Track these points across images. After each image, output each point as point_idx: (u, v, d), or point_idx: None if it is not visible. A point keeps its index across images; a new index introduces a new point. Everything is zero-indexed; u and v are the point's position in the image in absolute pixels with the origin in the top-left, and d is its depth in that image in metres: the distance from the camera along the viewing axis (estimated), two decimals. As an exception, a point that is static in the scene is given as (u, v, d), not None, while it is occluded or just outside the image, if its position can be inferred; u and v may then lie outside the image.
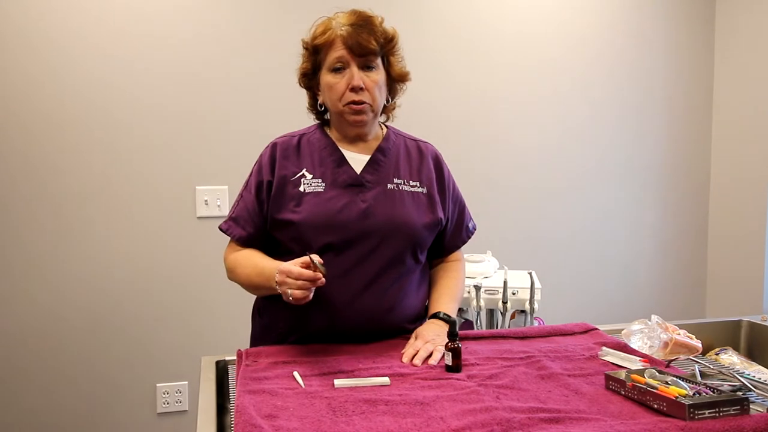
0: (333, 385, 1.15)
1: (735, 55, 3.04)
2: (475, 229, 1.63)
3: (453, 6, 2.76)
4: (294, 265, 1.23)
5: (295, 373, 1.20)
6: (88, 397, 2.44)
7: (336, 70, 1.38)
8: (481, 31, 2.80)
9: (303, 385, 1.15)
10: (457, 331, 1.25)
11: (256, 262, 1.40)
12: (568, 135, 2.95)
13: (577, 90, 2.95)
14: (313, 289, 1.23)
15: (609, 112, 3.01)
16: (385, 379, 1.18)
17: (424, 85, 2.72)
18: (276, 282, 1.26)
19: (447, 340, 1.24)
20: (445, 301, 1.48)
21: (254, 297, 1.59)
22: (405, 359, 1.28)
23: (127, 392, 2.48)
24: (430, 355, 1.28)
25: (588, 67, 2.95)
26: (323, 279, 1.21)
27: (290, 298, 1.23)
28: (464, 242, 1.59)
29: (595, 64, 2.96)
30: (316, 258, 1.22)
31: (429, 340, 1.32)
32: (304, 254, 1.24)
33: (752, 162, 2.95)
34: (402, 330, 1.46)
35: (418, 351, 1.29)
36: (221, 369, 1.36)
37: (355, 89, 1.37)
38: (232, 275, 1.46)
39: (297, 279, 1.21)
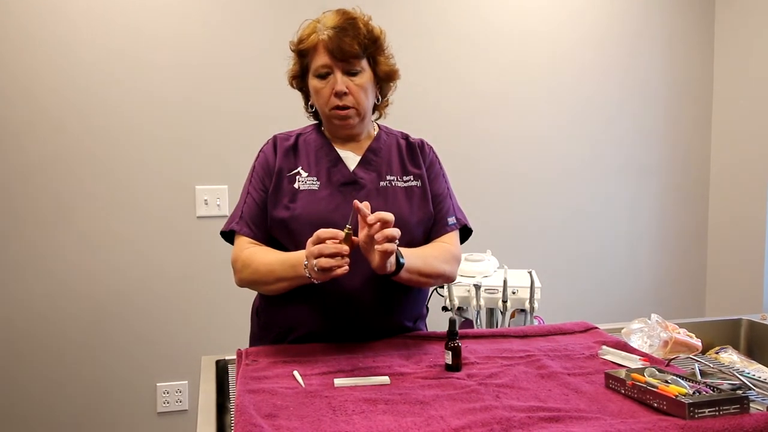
0: (333, 384, 1.15)
1: (735, 55, 3.04)
2: (458, 226, 1.51)
3: (453, 2, 2.76)
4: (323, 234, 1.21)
5: (295, 373, 1.20)
6: (88, 396, 2.44)
7: (321, 76, 1.39)
8: (481, 29, 2.80)
9: (303, 385, 1.15)
10: (457, 330, 1.25)
11: (276, 253, 1.39)
12: (568, 134, 2.95)
13: (576, 90, 2.95)
14: (347, 260, 1.20)
15: (609, 111, 3.00)
16: (385, 378, 1.18)
17: (423, 84, 2.72)
18: (308, 256, 1.22)
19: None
20: (409, 251, 1.35)
21: (254, 297, 1.59)
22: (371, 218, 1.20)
23: (127, 391, 2.48)
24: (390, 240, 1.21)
25: (587, 66, 2.95)
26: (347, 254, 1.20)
27: (323, 270, 1.20)
28: (440, 234, 1.48)
29: (595, 63, 2.96)
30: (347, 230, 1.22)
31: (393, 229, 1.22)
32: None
33: (752, 161, 2.95)
34: (401, 329, 1.47)
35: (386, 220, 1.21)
36: (221, 368, 1.36)
37: (338, 95, 1.37)
38: (246, 272, 1.39)
39: (328, 243, 1.19)
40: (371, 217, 1.20)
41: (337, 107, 1.39)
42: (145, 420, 2.50)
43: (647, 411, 1.02)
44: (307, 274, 1.25)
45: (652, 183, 3.10)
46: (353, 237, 1.23)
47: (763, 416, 0.98)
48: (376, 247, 1.19)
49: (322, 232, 1.22)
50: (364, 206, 1.22)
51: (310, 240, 1.23)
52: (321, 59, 1.38)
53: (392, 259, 1.24)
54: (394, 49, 1.48)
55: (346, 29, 1.36)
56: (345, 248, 1.20)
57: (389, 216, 1.21)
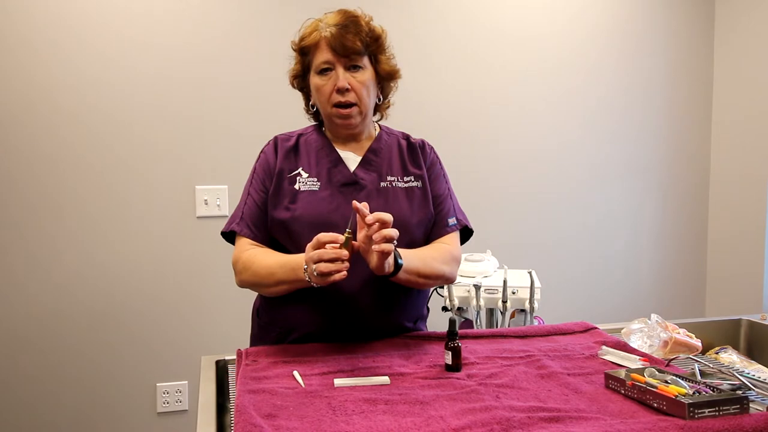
0: (333, 384, 1.15)
1: (735, 55, 3.04)
2: (458, 227, 1.50)
3: (452, 6, 2.76)
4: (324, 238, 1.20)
5: (295, 373, 1.20)
6: (88, 396, 2.44)
7: (323, 72, 1.39)
8: (481, 32, 2.80)
9: (303, 385, 1.15)
10: (457, 330, 1.25)
11: (276, 256, 1.39)
12: (568, 134, 2.95)
13: (576, 90, 2.95)
14: (346, 264, 1.19)
15: (608, 111, 3.01)
16: (385, 379, 1.18)
17: (423, 85, 2.72)
18: (307, 261, 1.22)
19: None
20: (408, 253, 1.35)
21: (254, 297, 1.59)
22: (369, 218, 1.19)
23: (127, 391, 2.48)
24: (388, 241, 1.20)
25: (587, 67, 2.95)
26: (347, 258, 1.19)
27: (322, 275, 1.19)
28: (440, 234, 1.48)
29: (595, 64, 2.96)
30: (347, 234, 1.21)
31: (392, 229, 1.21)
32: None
33: (752, 161, 2.95)
34: (401, 330, 1.47)
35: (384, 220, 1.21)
36: (221, 368, 1.36)
37: (340, 90, 1.37)
38: (246, 273, 1.39)
39: (328, 249, 1.19)
40: (370, 218, 1.20)
41: (340, 104, 1.38)
42: (145, 420, 2.50)
43: (647, 411, 1.02)
44: (307, 278, 1.25)
45: (653, 183, 3.10)
46: (353, 242, 1.23)
47: (763, 416, 0.98)
48: (373, 247, 1.19)
49: (321, 236, 1.21)
50: (363, 206, 1.22)
51: (309, 244, 1.23)
52: (323, 56, 1.38)
53: (390, 259, 1.24)
54: (394, 51, 1.48)
55: (348, 26, 1.37)
56: (344, 253, 1.20)
57: (388, 216, 1.21)
